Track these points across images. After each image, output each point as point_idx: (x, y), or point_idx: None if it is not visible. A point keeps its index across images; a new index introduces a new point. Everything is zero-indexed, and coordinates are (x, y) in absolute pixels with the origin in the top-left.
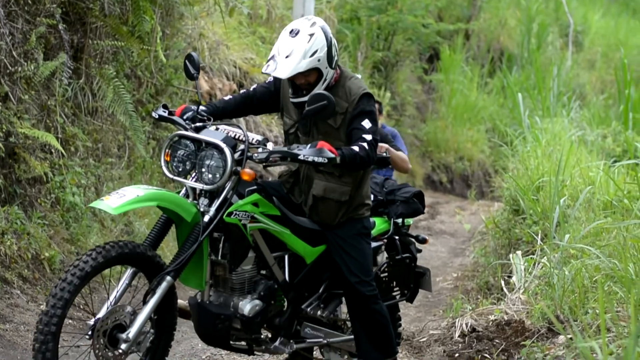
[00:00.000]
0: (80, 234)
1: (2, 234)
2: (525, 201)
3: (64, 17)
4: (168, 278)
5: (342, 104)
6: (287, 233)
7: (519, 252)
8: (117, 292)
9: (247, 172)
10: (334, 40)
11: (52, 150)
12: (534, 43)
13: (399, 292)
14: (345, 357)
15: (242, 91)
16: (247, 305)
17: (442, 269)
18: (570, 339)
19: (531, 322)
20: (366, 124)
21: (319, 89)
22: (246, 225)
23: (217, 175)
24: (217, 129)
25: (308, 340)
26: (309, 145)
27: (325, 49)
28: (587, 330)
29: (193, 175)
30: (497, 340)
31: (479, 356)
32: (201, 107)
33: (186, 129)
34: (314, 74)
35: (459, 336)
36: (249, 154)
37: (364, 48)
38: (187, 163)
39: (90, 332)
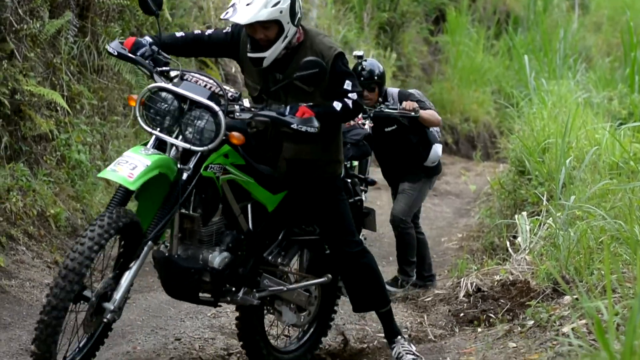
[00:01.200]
0: (85, 191)
1: (7, 191)
2: (531, 162)
3: None
4: (150, 243)
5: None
6: (252, 182)
7: (524, 213)
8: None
9: (236, 136)
10: None
11: (58, 108)
12: (540, 5)
13: None
14: (294, 310)
15: (195, 31)
16: (217, 258)
17: (447, 229)
18: (576, 299)
19: (536, 283)
20: (347, 84)
21: (279, 47)
22: (219, 178)
23: (207, 137)
24: (190, 80)
25: (270, 289)
26: (288, 109)
27: (289, 1)
28: (592, 291)
29: (176, 132)
30: (502, 301)
31: (484, 316)
32: (147, 39)
33: (150, 71)
34: (274, 27)
35: (464, 296)
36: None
37: (370, 9)
38: (168, 119)
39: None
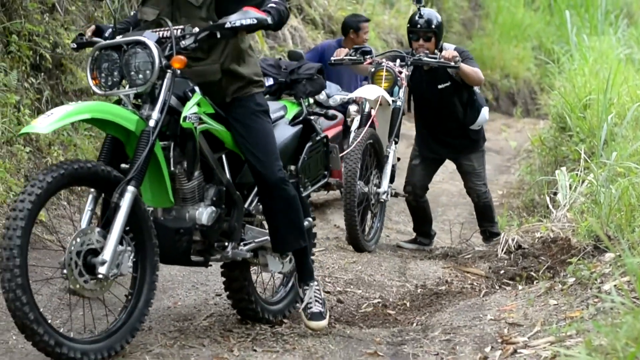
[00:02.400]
0: None
1: (49, 145)
2: (572, 118)
3: None
4: (130, 187)
5: None
6: (224, 130)
7: (563, 169)
8: (83, 221)
9: (176, 59)
10: None
11: None
12: None
13: (321, 174)
14: (277, 258)
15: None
16: (204, 214)
17: (489, 186)
18: (618, 256)
19: (577, 240)
20: None
21: None
22: (197, 128)
23: (147, 72)
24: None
25: (256, 240)
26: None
27: None
28: (635, 247)
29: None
30: (542, 258)
31: (525, 273)
32: (118, 26)
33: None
34: None
35: (504, 253)
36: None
37: None
38: (115, 73)
39: (64, 268)
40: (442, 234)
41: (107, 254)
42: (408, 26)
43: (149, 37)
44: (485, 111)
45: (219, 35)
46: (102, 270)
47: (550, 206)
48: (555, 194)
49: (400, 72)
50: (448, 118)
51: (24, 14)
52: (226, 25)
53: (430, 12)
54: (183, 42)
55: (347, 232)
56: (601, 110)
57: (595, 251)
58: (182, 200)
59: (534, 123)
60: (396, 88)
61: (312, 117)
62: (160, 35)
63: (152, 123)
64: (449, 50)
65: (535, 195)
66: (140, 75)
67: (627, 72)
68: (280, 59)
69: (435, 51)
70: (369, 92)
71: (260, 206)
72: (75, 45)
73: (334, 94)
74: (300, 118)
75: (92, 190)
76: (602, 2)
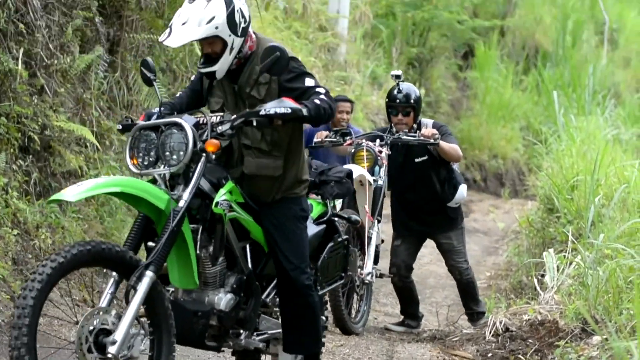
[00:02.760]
0: (114, 228)
1: (37, 228)
2: (560, 200)
3: (100, 10)
4: (148, 272)
5: (265, 73)
6: (251, 221)
7: (551, 251)
8: (103, 302)
9: (211, 143)
10: (239, 6)
11: (87, 144)
12: (569, 40)
13: (338, 275)
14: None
15: (187, 86)
16: (223, 300)
17: (476, 267)
18: (605, 339)
19: (565, 323)
20: (309, 82)
21: (227, 59)
22: (226, 215)
23: (181, 153)
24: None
25: (270, 332)
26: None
27: (224, 15)
28: (622, 330)
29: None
30: (530, 340)
31: (513, 356)
32: (156, 110)
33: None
34: (218, 42)
35: (492, 335)
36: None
37: (399, 44)
38: (152, 153)
39: (74, 340)
40: (430, 316)
41: (119, 335)
42: (387, 101)
43: (186, 120)
44: (463, 189)
45: (254, 123)
46: (112, 350)
47: (538, 288)
48: (543, 275)
49: (380, 152)
50: (425, 193)
51: (13, 95)
52: (260, 113)
53: (408, 87)
54: (220, 127)
55: (333, 314)
56: (588, 192)
57: (583, 334)
58: (204, 284)
59: (522, 204)
60: (377, 167)
61: (335, 219)
62: (200, 120)
63: (181, 203)
64: (428, 128)
65: (523, 277)
66: (175, 156)
67: (615, 153)
68: (312, 158)
69: (414, 126)
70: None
71: (277, 299)
72: (121, 127)
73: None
74: (325, 218)
75: (114, 273)
76: (589, 82)
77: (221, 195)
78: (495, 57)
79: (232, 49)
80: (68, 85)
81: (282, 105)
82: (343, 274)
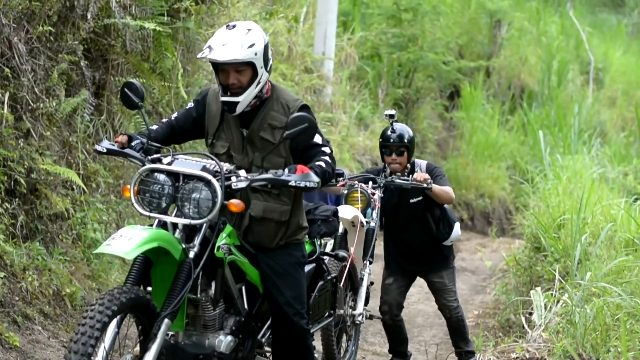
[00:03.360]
0: (101, 270)
1: (23, 270)
2: (547, 239)
3: (86, 54)
4: (166, 321)
5: (280, 118)
6: (248, 263)
7: (538, 289)
8: (107, 341)
9: (234, 204)
10: (269, 44)
11: (74, 187)
12: (555, 80)
13: (327, 312)
14: None
15: (164, 120)
16: (223, 342)
17: (464, 306)
18: None
19: None
20: (317, 138)
21: (252, 92)
22: (226, 258)
23: (206, 209)
24: (181, 159)
25: None
26: (287, 169)
27: (263, 44)
28: None
29: (175, 211)
30: None
31: None
32: (140, 138)
33: (142, 161)
34: (248, 71)
35: None
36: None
37: (385, 85)
38: (165, 199)
39: None
40: (419, 355)
41: None
42: (380, 141)
43: (209, 173)
44: (457, 227)
45: (269, 186)
46: None
47: (526, 326)
48: (530, 313)
49: (374, 194)
50: (420, 233)
51: None
52: (290, 184)
53: (402, 127)
54: (235, 184)
55: (325, 354)
56: (575, 230)
57: None
58: (204, 327)
59: (509, 242)
60: (369, 210)
61: (324, 257)
62: (209, 166)
63: (192, 255)
64: (422, 170)
65: (511, 315)
66: (195, 210)
67: (601, 191)
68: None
69: (408, 166)
70: (345, 212)
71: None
72: (105, 150)
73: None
74: (314, 257)
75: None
76: (575, 121)
77: (222, 239)
78: (481, 97)
79: (259, 82)
80: (54, 129)
81: (309, 180)
82: (332, 312)
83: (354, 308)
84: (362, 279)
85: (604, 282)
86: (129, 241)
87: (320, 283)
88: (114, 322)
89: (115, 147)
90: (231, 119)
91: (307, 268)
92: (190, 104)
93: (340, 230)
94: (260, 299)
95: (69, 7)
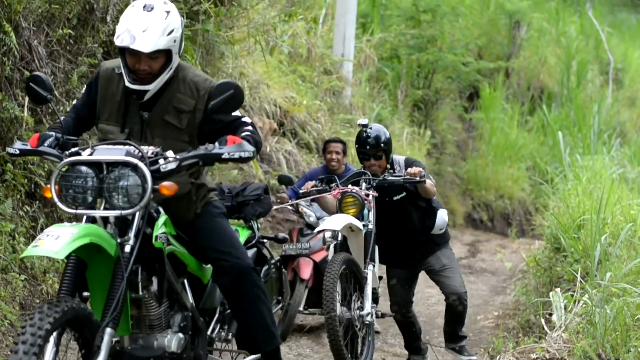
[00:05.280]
0: None
1: (44, 273)
2: (566, 239)
3: (105, 57)
4: (109, 330)
5: (188, 101)
6: (186, 252)
7: (558, 290)
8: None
9: (166, 186)
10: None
11: None
12: (574, 81)
13: (275, 299)
14: None
15: (69, 110)
16: (173, 341)
17: (483, 307)
18: None
19: None
20: (236, 112)
21: (163, 79)
22: (166, 249)
23: (136, 196)
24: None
25: None
26: (217, 142)
27: (181, 29)
28: None
29: (103, 204)
30: None
31: None
32: (50, 132)
33: (60, 158)
34: (162, 58)
35: None
36: (153, 167)
37: (404, 86)
38: (90, 192)
39: None
40: (438, 355)
41: None
42: (357, 147)
43: (134, 156)
44: (442, 213)
45: (200, 163)
46: None
47: (546, 327)
48: (550, 314)
49: (367, 195)
50: (408, 228)
51: None
52: (223, 156)
53: (377, 130)
54: (164, 166)
55: (335, 358)
56: (595, 231)
57: None
58: (150, 327)
59: (529, 243)
60: (365, 211)
61: (264, 240)
62: (130, 150)
63: (127, 249)
64: (416, 168)
65: (530, 316)
66: (124, 198)
67: (621, 192)
68: (221, 183)
69: (387, 166)
70: (335, 222)
71: (226, 334)
72: (18, 152)
73: (324, 216)
74: (253, 242)
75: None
76: (594, 121)
77: (159, 228)
78: (501, 98)
79: (170, 68)
80: None
81: (243, 149)
82: (280, 297)
83: (361, 309)
84: (365, 279)
85: (624, 282)
86: (57, 240)
87: (265, 268)
88: (51, 340)
89: (29, 147)
90: (130, 101)
91: (249, 253)
92: (84, 89)
93: (339, 237)
94: (206, 291)
95: (88, 10)
